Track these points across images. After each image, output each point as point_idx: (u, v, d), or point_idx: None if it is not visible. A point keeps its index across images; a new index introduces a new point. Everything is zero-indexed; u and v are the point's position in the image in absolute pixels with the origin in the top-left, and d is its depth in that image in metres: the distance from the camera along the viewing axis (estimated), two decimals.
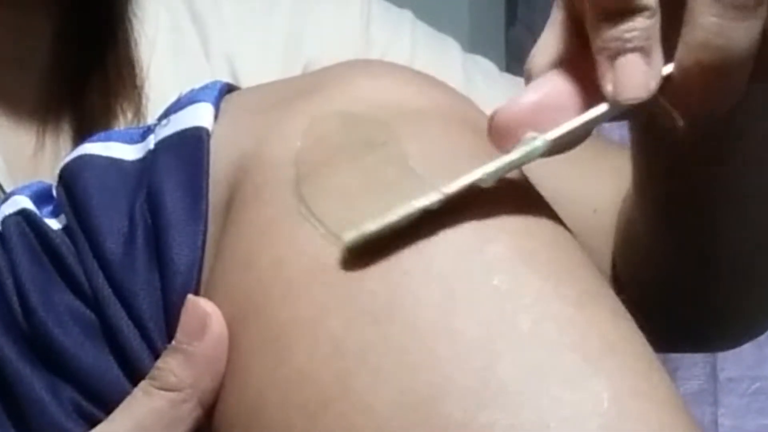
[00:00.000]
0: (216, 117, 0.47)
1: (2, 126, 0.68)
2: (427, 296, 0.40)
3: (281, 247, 0.43)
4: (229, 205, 0.45)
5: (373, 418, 0.39)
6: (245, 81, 0.69)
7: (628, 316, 0.42)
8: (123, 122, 0.68)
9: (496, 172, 0.41)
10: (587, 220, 0.67)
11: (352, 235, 0.41)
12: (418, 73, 0.48)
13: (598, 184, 0.69)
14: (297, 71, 0.71)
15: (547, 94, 0.43)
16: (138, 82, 0.69)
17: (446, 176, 0.42)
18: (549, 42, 0.45)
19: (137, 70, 0.69)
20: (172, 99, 0.69)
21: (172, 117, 0.48)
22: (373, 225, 0.40)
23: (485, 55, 0.79)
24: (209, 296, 0.45)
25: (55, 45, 0.68)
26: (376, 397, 0.39)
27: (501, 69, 0.79)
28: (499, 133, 0.43)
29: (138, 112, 0.68)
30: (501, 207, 0.43)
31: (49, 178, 0.66)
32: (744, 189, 0.59)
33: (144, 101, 0.68)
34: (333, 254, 0.42)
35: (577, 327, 0.40)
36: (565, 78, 0.44)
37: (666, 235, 0.63)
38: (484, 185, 0.41)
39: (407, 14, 0.79)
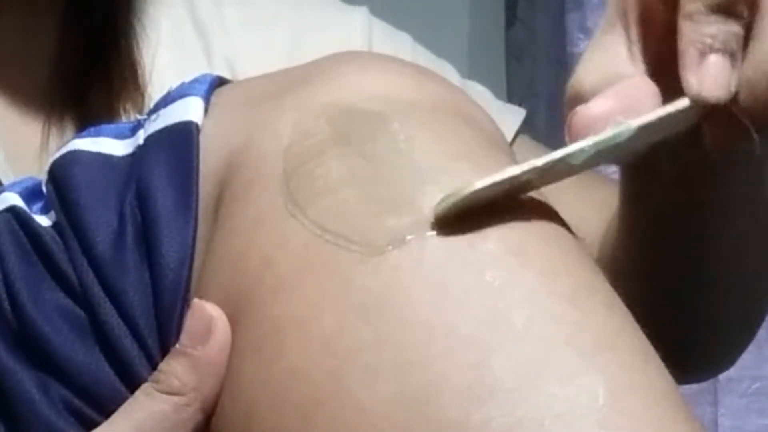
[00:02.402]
0: (206, 111, 0.47)
1: (8, 125, 0.68)
2: (419, 292, 0.40)
3: (270, 246, 0.42)
4: (219, 201, 0.45)
5: (366, 417, 0.39)
6: None
7: (624, 309, 0.42)
8: (125, 116, 0.68)
9: (583, 150, 0.43)
10: None
11: (441, 205, 0.41)
12: (410, 65, 0.48)
13: (587, 214, 0.70)
14: None
15: (620, 98, 0.45)
16: (141, 84, 0.69)
17: (434, 172, 0.42)
18: (598, 59, 0.47)
19: (140, 72, 0.69)
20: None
21: (162, 111, 0.48)
22: (456, 197, 0.41)
23: (485, 54, 0.79)
24: (200, 295, 0.44)
25: (60, 46, 0.69)
26: (369, 396, 0.39)
27: (501, 69, 0.79)
28: (577, 130, 0.44)
29: (141, 114, 0.68)
30: (493, 202, 0.42)
31: None
32: (735, 204, 0.60)
33: (147, 103, 0.68)
34: (322, 250, 0.41)
35: (571, 322, 0.39)
36: (630, 85, 0.46)
37: (653, 243, 0.63)
38: (573, 161, 0.43)
39: (407, 38, 0.80)
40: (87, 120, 0.67)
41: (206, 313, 0.43)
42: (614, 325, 0.40)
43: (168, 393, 0.44)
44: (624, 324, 0.41)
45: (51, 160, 0.49)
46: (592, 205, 0.70)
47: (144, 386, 0.44)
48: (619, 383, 0.38)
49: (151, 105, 0.67)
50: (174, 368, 0.44)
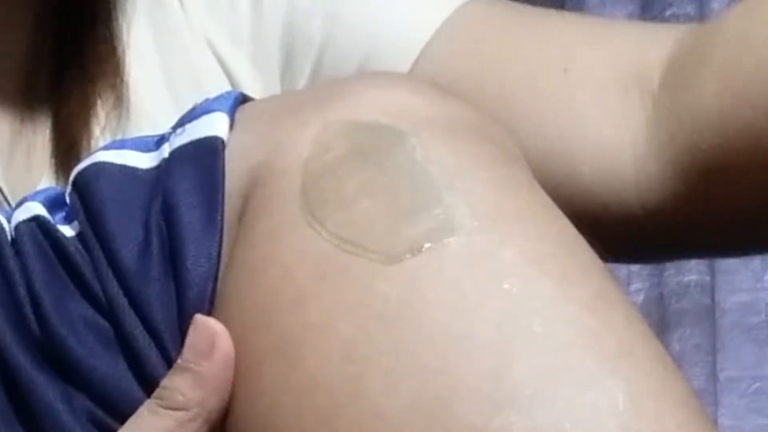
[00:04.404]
0: (231, 126, 0.48)
1: None
2: (437, 300, 0.40)
3: (289, 256, 0.43)
4: (242, 215, 0.45)
5: (385, 423, 0.39)
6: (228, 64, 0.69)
7: (641, 318, 0.42)
8: (102, 106, 0.67)
9: None
10: (558, 80, 0.63)
11: None
12: (429, 84, 0.48)
13: (567, 46, 0.64)
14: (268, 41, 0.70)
15: None
16: (118, 67, 0.68)
17: (452, 184, 0.42)
18: None
19: (118, 55, 0.68)
20: (157, 76, 0.68)
21: (188, 126, 0.48)
22: None
23: None
24: (221, 307, 0.45)
25: (35, 34, 0.68)
26: (388, 402, 0.40)
27: None
28: None
29: (118, 99, 0.68)
30: (511, 212, 0.43)
31: (24, 165, 0.65)
32: None
33: (125, 88, 0.68)
34: (340, 259, 0.42)
35: (590, 329, 0.40)
36: None
37: None
38: None
39: None
40: (61, 110, 0.66)
41: (209, 328, 0.44)
42: (632, 333, 0.41)
43: (172, 408, 0.44)
44: (642, 332, 0.41)
45: (75, 171, 0.49)
46: (573, 37, 0.64)
47: (147, 402, 0.44)
48: (639, 388, 0.39)
49: (129, 82, 0.66)
50: (177, 384, 0.44)
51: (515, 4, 0.68)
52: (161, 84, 0.68)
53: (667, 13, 1.39)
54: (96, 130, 0.67)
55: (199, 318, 0.44)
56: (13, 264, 0.47)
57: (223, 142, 0.47)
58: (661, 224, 0.59)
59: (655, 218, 0.59)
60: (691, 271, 1.53)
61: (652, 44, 0.61)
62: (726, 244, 0.62)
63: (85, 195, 0.47)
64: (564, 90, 0.62)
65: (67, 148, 0.65)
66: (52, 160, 0.66)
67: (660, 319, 1.52)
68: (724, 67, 0.55)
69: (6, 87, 0.67)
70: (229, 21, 0.69)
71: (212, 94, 0.66)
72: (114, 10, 0.69)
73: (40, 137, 0.67)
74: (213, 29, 0.69)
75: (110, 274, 0.45)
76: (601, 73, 0.61)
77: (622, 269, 1.54)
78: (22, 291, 0.46)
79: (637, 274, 1.56)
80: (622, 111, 0.60)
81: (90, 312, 0.46)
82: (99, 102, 0.67)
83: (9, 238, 0.48)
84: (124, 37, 0.69)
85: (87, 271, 0.46)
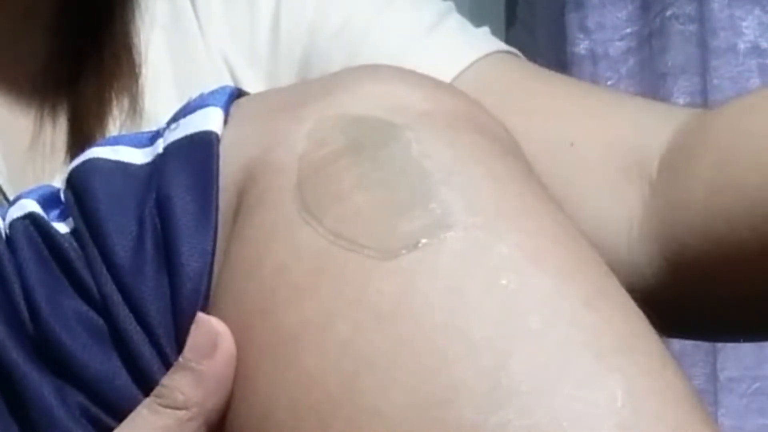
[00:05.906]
0: (226, 121, 0.47)
1: (1, 114, 0.68)
2: (435, 297, 0.40)
3: (284, 252, 0.43)
4: (237, 211, 0.45)
5: (382, 421, 0.39)
6: (242, 79, 0.70)
7: (641, 314, 0.42)
8: (117, 108, 0.68)
9: None
10: (564, 152, 0.64)
11: None
12: (426, 77, 0.48)
13: (576, 119, 0.65)
14: (285, 56, 0.70)
15: None
16: (135, 68, 0.69)
17: (449, 178, 0.42)
18: None
19: (134, 56, 0.69)
20: (168, 87, 0.69)
21: (182, 121, 0.48)
22: None
23: None
24: (216, 303, 0.44)
25: (54, 32, 0.69)
26: (385, 400, 0.39)
27: None
28: None
29: (134, 99, 0.68)
30: (509, 207, 0.42)
31: (48, 166, 0.66)
32: None
33: (141, 87, 0.68)
34: (336, 256, 0.42)
35: (588, 325, 0.40)
36: None
37: None
38: None
39: None
40: (79, 108, 0.67)
41: (212, 328, 0.44)
42: (631, 329, 0.41)
43: (172, 407, 0.44)
44: (640, 328, 0.41)
45: (69, 168, 0.49)
46: (584, 109, 0.65)
47: (147, 401, 0.44)
48: (638, 385, 0.39)
49: (144, 90, 0.67)
50: (178, 383, 0.44)
51: (530, 64, 0.70)
52: (172, 94, 0.69)
53: (668, 13, 1.39)
54: (112, 131, 0.67)
55: (202, 317, 0.44)
56: (7, 261, 0.47)
57: (217, 136, 0.46)
58: (650, 306, 0.59)
59: (644, 300, 0.59)
60: None
61: (654, 130, 0.62)
62: (718, 332, 0.64)
63: (80, 191, 0.47)
64: (569, 164, 0.63)
65: (82, 146, 0.66)
66: (67, 157, 0.67)
67: None
68: (715, 163, 0.56)
69: (25, 86, 0.68)
70: (249, 43, 0.71)
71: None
72: (132, 16, 0.70)
73: (58, 137, 0.67)
74: (231, 49, 0.71)
75: (104, 270, 0.45)
76: (603, 153, 0.62)
77: None
78: (16, 288, 0.46)
79: None
80: (621, 194, 0.61)
81: (84, 308, 0.45)
82: (115, 102, 0.67)
83: (3, 235, 0.48)
84: (142, 45, 0.69)
85: (81, 267, 0.46)
